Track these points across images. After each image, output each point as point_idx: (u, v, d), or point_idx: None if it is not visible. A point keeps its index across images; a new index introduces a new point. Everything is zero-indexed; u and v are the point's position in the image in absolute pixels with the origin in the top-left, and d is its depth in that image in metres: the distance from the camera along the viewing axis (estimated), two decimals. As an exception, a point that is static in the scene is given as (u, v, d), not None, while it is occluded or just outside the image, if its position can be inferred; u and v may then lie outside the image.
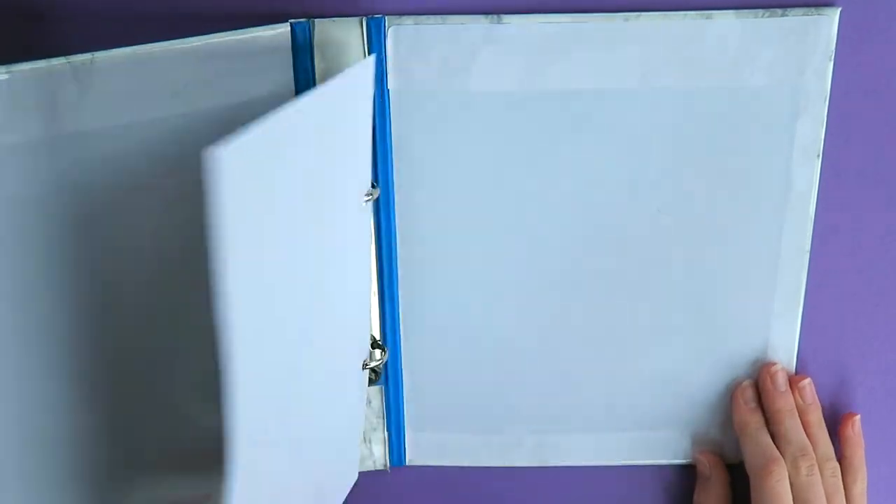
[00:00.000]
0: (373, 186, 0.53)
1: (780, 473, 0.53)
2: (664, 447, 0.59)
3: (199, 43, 0.50)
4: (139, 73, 0.49)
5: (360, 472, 0.60)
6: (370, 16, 0.51)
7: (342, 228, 0.49)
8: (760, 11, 0.50)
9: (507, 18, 0.51)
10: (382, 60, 0.51)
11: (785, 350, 0.57)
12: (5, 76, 0.47)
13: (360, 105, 0.47)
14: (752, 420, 0.56)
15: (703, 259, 0.55)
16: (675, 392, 0.58)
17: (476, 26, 0.51)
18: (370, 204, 0.51)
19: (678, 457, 0.60)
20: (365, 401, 0.57)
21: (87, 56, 0.48)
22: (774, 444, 0.55)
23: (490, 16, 0.51)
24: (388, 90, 0.52)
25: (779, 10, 0.50)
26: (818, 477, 0.54)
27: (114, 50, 0.49)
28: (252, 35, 0.50)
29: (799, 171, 0.53)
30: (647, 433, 0.59)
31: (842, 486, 0.55)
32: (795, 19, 0.50)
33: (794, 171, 0.53)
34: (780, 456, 0.54)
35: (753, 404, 0.57)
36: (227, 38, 0.50)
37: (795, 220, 0.54)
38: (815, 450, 0.55)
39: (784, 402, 0.56)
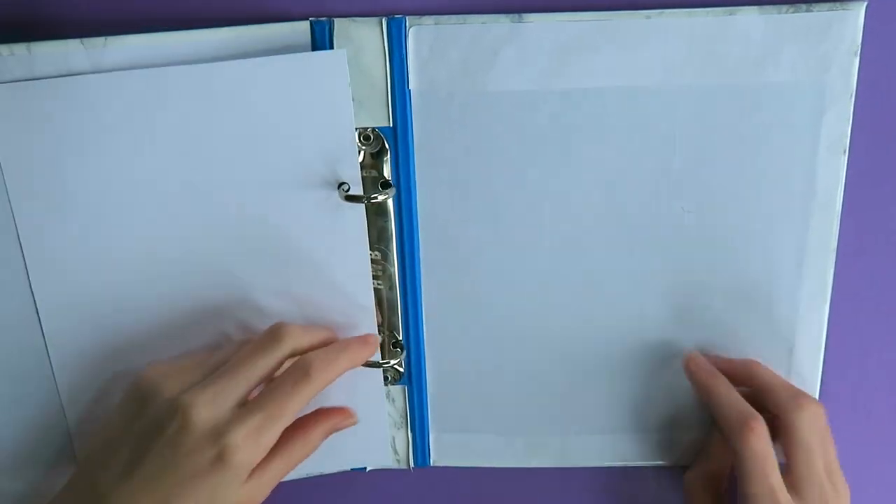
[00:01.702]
0: (385, 186, 0.53)
1: (762, 430, 0.51)
2: (692, 448, 0.59)
3: (218, 34, 0.50)
4: (153, 60, 0.50)
5: (384, 472, 0.61)
6: (391, 16, 0.51)
7: (283, 216, 0.53)
8: (784, 7, 0.50)
9: (528, 17, 0.50)
10: (403, 61, 0.51)
11: (812, 349, 0.56)
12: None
13: (325, 97, 0.50)
14: (717, 382, 0.54)
15: (727, 257, 0.55)
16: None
17: (497, 26, 0.51)
18: (361, 201, 0.52)
19: (704, 457, 0.59)
20: (381, 389, 0.58)
21: (100, 39, 0.50)
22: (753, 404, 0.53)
23: (511, 15, 0.50)
24: (410, 90, 0.52)
25: (803, 6, 0.50)
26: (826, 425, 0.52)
27: (128, 36, 0.50)
28: (271, 30, 0.51)
29: (825, 168, 0.53)
30: (674, 434, 0.58)
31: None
32: (820, 14, 0.50)
33: (820, 168, 0.53)
34: (758, 413, 0.52)
35: (711, 367, 0.55)
36: (246, 32, 0.51)
37: (821, 217, 0.54)
38: None
39: (743, 363, 0.55)
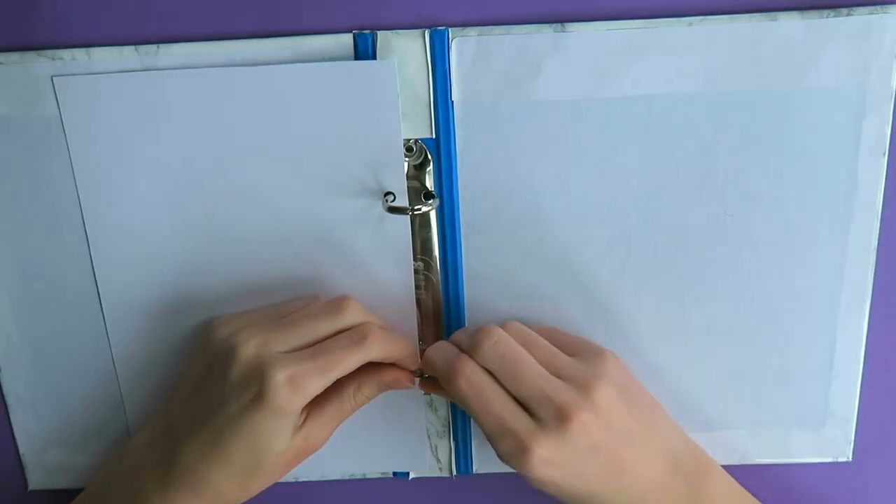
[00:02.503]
0: (428, 197, 0.53)
1: (470, 367, 0.50)
2: (731, 448, 0.59)
3: (263, 45, 0.51)
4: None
5: (427, 479, 0.61)
6: (433, 28, 0.51)
7: (328, 222, 0.54)
8: (825, 11, 0.50)
9: (570, 27, 0.51)
10: (446, 72, 0.51)
11: (852, 350, 0.57)
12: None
13: (373, 107, 0.51)
14: (429, 352, 0.53)
15: (769, 260, 0.55)
16: (741, 392, 0.58)
17: (540, 36, 0.51)
18: (404, 212, 0.53)
19: (746, 458, 0.59)
20: (421, 396, 0.58)
21: (152, 46, 0.51)
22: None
23: (554, 25, 0.51)
24: (453, 101, 0.52)
25: (844, 10, 0.50)
26: (512, 342, 0.51)
27: (178, 44, 0.51)
28: (314, 42, 0.51)
29: (865, 170, 0.53)
30: (713, 434, 0.59)
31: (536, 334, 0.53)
32: (861, 18, 0.50)
33: (861, 171, 0.53)
34: (461, 353, 0.51)
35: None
36: (290, 43, 0.51)
37: (862, 218, 0.54)
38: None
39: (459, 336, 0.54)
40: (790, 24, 0.50)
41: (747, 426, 0.59)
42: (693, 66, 0.51)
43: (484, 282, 0.56)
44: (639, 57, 0.51)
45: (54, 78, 0.52)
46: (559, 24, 0.51)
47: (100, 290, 0.56)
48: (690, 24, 0.50)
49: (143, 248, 0.55)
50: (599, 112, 0.52)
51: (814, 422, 0.59)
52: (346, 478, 0.61)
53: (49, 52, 0.51)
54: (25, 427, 0.60)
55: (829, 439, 0.59)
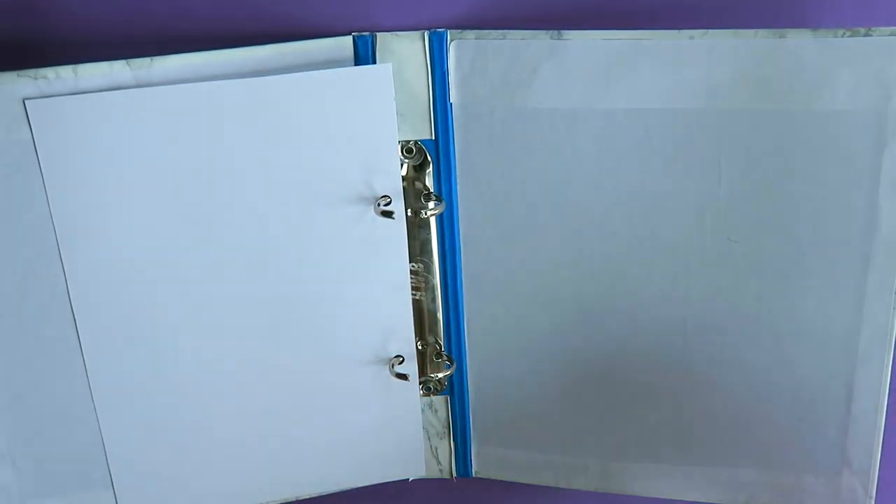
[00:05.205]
0: (427, 199, 0.53)
1: None
2: (736, 487, 0.56)
3: (262, 52, 0.51)
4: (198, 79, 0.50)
5: (427, 481, 0.61)
6: (432, 30, 0.51)
7: (316, 230, 0.53)
8: (840, 31, 0.47)
9: (567, 34, 0.49)
10: (445, 74, 0.51)
11: (873, 392, 0.52)
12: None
13: (370, 111, 0.51)
14: None
15: (778, 291, 0.52)
16: (748, 428, 0.55)
17: (537, 42, 0.50)
18: (398, 216, 0.52)
19: (753, 501, 0.56)
20: (416, 401, 0.58)
21: (145, 59, 0.49)
22: None
23: (551, 31, 0.50)
24: (451, 104, 0.52)
25: (861, 30, 0.46)
26: None
27: (173, 56, 0.50)
28: (314, 46, 0.51)
29: (887, 204, 0.49)
30: (718, 469, 0.56)
31: None
32: (881, 39, 0.46)
33: (882, 204, 0.49)
34: None
35: None
36: (289, 48, 0.51)
37: (883, 255, 0.50)
38: None
39: None
40: (800, 43, 0.47)
41: (755, 465, 0.55)
42: (693, 81, 0.49)
43: (482, 283, 0.55)
44: (637, 69, 0.49)
45: (26, 101, 0.48)
46: (556, 32, 0.49)
47: (79, 329, 0.52)
48: (692, 38, 0.48)
49: (125, 283, 0.52)
50: (595, 123, 0.50)
51: (829, 469, 0.55)
52: (344, 489, 0.60)
53: (31, 72, 0.48)
54: (2, 482, 0.55)
55: (847, 490, 0.55)
